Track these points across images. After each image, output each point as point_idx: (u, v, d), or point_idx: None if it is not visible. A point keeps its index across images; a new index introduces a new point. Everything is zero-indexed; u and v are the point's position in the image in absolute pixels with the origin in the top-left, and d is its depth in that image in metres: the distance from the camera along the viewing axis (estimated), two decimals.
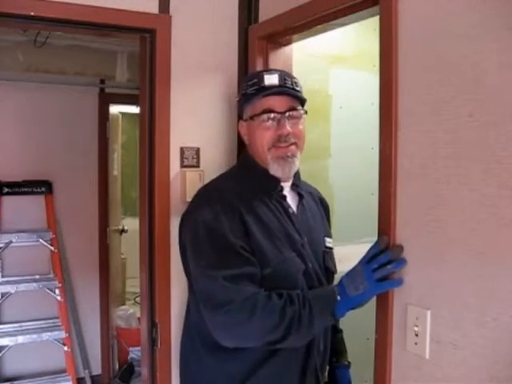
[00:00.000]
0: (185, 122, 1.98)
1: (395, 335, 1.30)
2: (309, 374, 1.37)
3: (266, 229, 1.32)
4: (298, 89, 1.38)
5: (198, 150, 2.01)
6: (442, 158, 1.18)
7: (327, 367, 1.49)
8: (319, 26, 1.73)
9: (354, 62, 2.38)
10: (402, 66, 1.29)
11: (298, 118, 1.37)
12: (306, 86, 1.77)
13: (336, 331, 1.53)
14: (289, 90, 1.35)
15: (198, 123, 2.00)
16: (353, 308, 1.28)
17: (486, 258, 1.08)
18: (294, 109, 1.36)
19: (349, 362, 1.53)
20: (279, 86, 1.35)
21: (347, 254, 2.35)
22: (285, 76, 1.37)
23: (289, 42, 2.00)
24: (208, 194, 1.39)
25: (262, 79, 1.35)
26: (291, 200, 1.44)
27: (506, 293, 1.04)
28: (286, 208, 1.40)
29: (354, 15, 1.57)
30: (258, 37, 1.97)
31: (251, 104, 1.37)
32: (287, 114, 1.35)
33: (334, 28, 1.77)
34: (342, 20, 1.64)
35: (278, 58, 2.00)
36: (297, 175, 1.46)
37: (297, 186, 1.47)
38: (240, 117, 1.46)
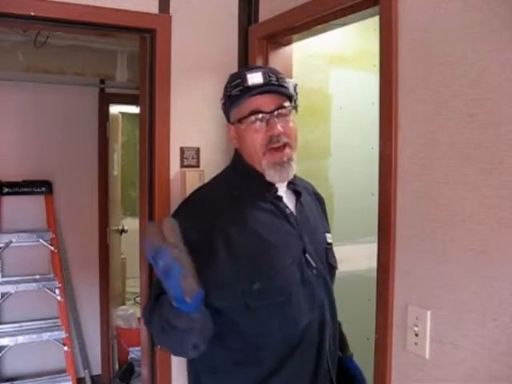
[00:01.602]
0: (185, 121, 1.98)
1: (395, 335, 1.30)
2: (321, 377, 1.32)
3: (257, 237, 1.26)
4: (284, 84, 1.32)
5: (198, 150, 2.01)
6: (442, 157, 1.18)
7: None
8: (319, 26, 1.74)
9: (354, 62, 2.38)
10: (402, 66, 1.29)
11: (287, 115, 1.31)
12: (305, 86, 1.76)
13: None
14: (274, 88, 1.28)
15: (197, 123, 2.00)
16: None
17: (486, 258, 1.08)
18: (281, 106, 1.29)
19: (351, 353, 1.50)
20: (264, 84, 1.27)
21: (347, 254, 2.36)
22: (269, 73, 1.30)
23: (289, 42, 2.00)
24: (187, 206, 1.36)
25: (245, 79, 1.28)
26: (288, 200, 1.37)
27: (506, 293, 1.04)
28: (282, 209, 1.34)
29: (353, 15, 1.57)
30: (258, 37, 1.97)
31: (237, 106, 1.31)
32: (275, 112, 1.28)
33: (334, 28, 1.78)
34: (342, 20, 1.65)
35: (278, 58, 2.00)
36: None
37: (293, 184, 1.40)
38: (227, 120, 1.40)
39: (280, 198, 1.35)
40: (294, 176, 1.40)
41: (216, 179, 1.44)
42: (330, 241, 1.44)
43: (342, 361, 1.45)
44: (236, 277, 1.23)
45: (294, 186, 1.40)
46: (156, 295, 1.22)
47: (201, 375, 1.33)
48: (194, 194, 1.41)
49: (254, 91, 1.27)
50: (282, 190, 1.37)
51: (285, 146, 1.29)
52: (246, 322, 1.25)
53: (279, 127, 1.27)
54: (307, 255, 1.32)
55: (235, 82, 1.31)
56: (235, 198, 1.30)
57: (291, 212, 1.36)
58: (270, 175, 1.30)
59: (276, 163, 1.28)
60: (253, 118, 1.28)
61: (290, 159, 1.29)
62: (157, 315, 1.17)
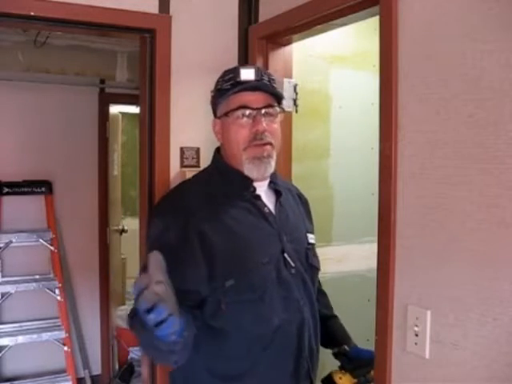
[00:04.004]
0: (185, 121, 1.98)
1: (395, 335, 1.30)
2: (301, 379, 1.33)
3: (232, 235, 1.27)
4: (274, 85, 1.34)
5: (198, 150, 2.01)
6: (441, 157, 1.18)
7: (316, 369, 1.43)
8: (319, 26, 1.74)
9: (354, 62, 2.38)
10: (402, 66, 1.29)
11: (274, 115, 1.32)
12: (305, 86, 1.75)
13: (328, 318, 1.50)
14: (265, 86, 1.30)
15: (197, 123, 2.00)
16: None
17: (486, 258, 1.08)
18: (269, 106, 1.31)
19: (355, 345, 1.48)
20: (255, 80, 1.29)
21: (347, 254, 2.37)
22: (262, 72, 1.32)
23: (289, 42, 2.00)
24: (164, 204, 1.39)
25: (237, 74, 1.30)
26: (267, 199, 1.38)
27: (506, 293, 1.04)
28: (260, 208, 1.34)
29: (353, 15, 1.57)
30: (258, 37, 1.97)
31: (226, 99, 1.32)
32: (263, 110, 1.29)
33: (333, 28, 1.78)
34: (341, 20, 1.65)
35: (278, 58, 2.00)
36: (274, 172, 1.40)
37: (274, 183, 1.40)
38: (214, 114, 1.40)
39: (258, 197, 1.36)
40: (276, 176, 1.42)
41: (195, 177, 1.46)
42: (312, 241, 1.45)
43: (352, 352, 1.42)
44: (210, 273, 1.24)
45: (275, 186, 1.41)
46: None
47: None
48: (172, 192, 1.44)
49: (245, 85, 1.29)
50: (262, 189, 1.38)
51: (267, 143, 1.30)
52: (218, 318, 1.26)
53: (264, 125, 1.28)
54: (285, 255, 1.32)
55: (227, 77, 1.33)
56: (212, 196, 1.32)
57: (270, 211, 1.36)
58: (249, 169, 1.31)
59: (256, 157, 1.29)
60: (240, 112, 1.29)
61: (269, 156, 1.31)
62: (138, 331, 1.14)
